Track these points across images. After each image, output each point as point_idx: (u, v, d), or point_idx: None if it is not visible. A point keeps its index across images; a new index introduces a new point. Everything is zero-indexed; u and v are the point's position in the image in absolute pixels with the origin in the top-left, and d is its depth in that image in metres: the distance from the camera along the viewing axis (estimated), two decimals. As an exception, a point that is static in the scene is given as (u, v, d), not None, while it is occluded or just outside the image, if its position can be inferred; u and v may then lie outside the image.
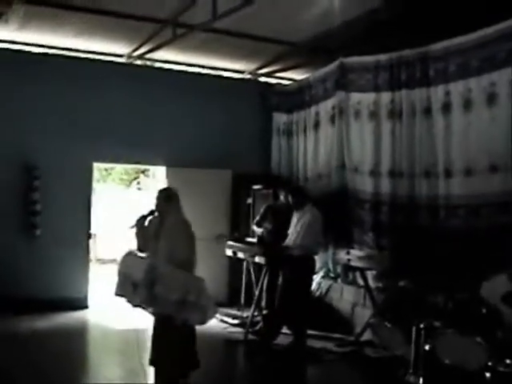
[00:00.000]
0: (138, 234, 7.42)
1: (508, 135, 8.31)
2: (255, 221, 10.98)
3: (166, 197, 7.36)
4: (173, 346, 6.96)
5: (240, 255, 10.67)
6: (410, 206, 9.85)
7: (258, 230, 10.79)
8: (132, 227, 7.38)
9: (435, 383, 5.68)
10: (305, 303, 9.93)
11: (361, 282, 10.52)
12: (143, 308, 6.95)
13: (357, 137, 10.94)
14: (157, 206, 7.35)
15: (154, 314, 7.22)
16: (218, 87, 13.10)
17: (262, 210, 11.12)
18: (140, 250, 7.37)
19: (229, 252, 10.93)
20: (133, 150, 12.17)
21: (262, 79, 13.82)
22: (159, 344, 7.09)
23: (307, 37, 11.14)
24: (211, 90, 12.95)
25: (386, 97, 10.30)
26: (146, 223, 7.39)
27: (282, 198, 10.80)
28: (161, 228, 7.22)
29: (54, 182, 11.55)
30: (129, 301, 6.93)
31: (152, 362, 7.11)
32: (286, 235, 10.01)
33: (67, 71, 11.81)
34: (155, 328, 7.18)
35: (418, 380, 5.52)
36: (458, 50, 9.02)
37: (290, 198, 9.99)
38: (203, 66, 13.11)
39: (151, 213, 7.43)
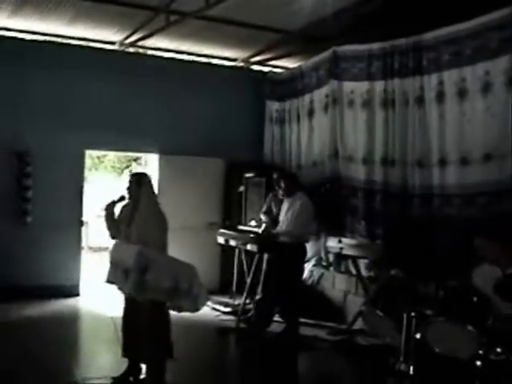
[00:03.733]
0: (107, 219, 7.42)
1: (502, 124, 8.32)
2: (263, 210, 10.90)
3: (137, 181, 7.30)
4: (140, 330, 7.03)
5: (232, 243, 10.66)
6: (403, 194, 9.86)
7: (266, 219, 10.67)
8: (102, 212, 7.38)
9: (426, 371, 5.68)
10: (297, 291, 9.95)
11: (353, 270, 10.54)
12: (129, 294, 6.93)
13: (350, 125, 10.95)
14: (128, 190, 7.31)
15: (126, 300, 7.23)
16: (211, 75, 13.08)
17: (267, 199, 11.08)
18: (111, 235, 7.38)
19: (220, 240, 10.92)
20: (125, 137, 12.16)
21: (255, 67, 13.79)
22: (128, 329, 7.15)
23: (300, 25, 11.13)
24: (204, 78, 12.92)
25: (379, 85, 10.29)
26: (120, 208, 7.40)
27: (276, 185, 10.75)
28: (133, 213, 7.20)
29: (46, 168, 11.52)
30: (120, 288, 6.93)
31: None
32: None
33: (60, 58, 11.77)
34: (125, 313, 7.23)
35: (409, 368, 5.54)
36: (451, 38, 9.00)
37: (281, 185, 9.97)
38: (196, 54, 13.08)
39: (122, 198, 7.42)
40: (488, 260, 6.62)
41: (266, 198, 11.17)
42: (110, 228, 7.42)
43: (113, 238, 7.37)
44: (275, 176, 10.51)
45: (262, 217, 10.79)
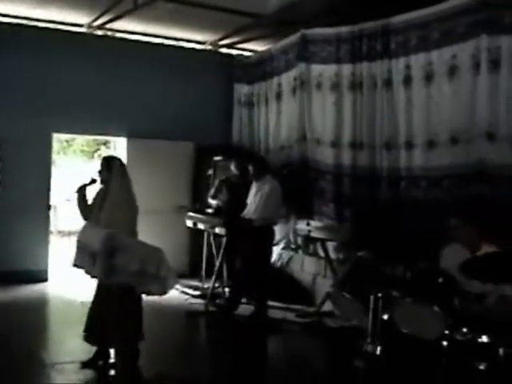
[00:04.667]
0: (79, 202, 7.41)
1: (468, 108, 8.39)
2: (210, 193, 11.00)
3: (107, 165, 7.34)
4: (109, 314, 7.03)
5: (200, 226, 10.68)
6: (371, 177, 9.93)
7: (214, 202, 10.81)
8: (74, 195, 7.37)
9: (393, 352, 5.74)
10: (265, 274, 10.00)
11: (321, 253, 10.62)
12: (94, 277, 6.93)
13: (318, 108, 10.98)
14: (99, 174, 7.35)
15: (97, 286, 7.23)
16: (180, 58, 13.04)
17: (216, 183, 11.18)
18: (84, 218, 7.39)
19: (189, 223, 10.93)
20: (93, 121, 12.11)
21: (224, 50, 13.75)
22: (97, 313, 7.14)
23: (270, 8, 11.10)
24: (173, 61, 12.88)
25: (347, 69, 10.33)
26: (96, 192, 7.40)
27: (233, 168, 10.81)
28: (104, 198, 7.23)
29: (13, 152, 11.41)
30: (88, 272, 6.91)
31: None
32: (241, 206, 10.09)
33: (27, 41, 11.63)
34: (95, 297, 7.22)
35: (376, 349, 5.58)
36: (420, 22, 9.06)
37: (250, 169, 10.01)
38: (165, 37, 13.01)
39: (92, 181, 7.46)
40: (460, 241, 6.69)
41: (215, 182, 11.26)
42: (82, 211, 7.41)
43: (85, 219, 7.36)
44: (236, 160, 10.63)
45: (210, 201, 10.86)
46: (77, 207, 7.44)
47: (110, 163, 7.36)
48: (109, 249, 6.51)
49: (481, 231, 6.66)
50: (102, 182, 7.36)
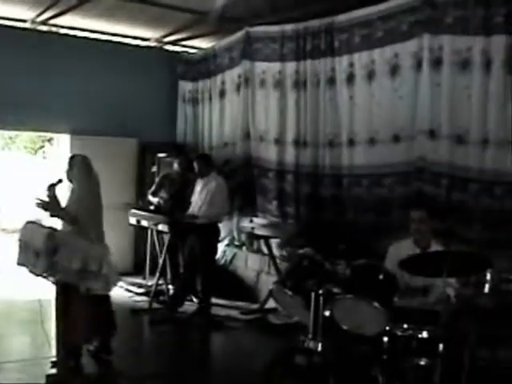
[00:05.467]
0: (49, 202, 7.41)
1: (410, 106, 8.48)
2: (150, 190, 10.97)
3: (69, 164, 7.53)
4: (76, 313, 6.99)
5: (144, 223, 10.63)
6: (314, 175, 10.00)
7: (154, 200, 10.78)
8: (44, 195, 7.37)
9: (334, 348, 5.78)
10: (210, 271, 10.01)
11: (265, 250, 10.65)
12: (45, 277, 6.89)
13: (262, 106, 11.02)
14: (66, 173, 7.49)
15: (56, 283, 7.19)
16: (125, 55, 12.94)
17: (157, 180, 11.16)
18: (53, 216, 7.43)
19: (132, 220, 10.86)
20: (36, 117, 11.93)
21: (169, 47, 13.70)
22: (62, 313, 7.08)
23: (215, 5, 11.07)
24: (117, 58, 12.78)
25: (291, 66, 10.36)
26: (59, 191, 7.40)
27: (177, 165, 10.81)
28: (71, 194, 7.37)
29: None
30: (31, 270, 6.85)
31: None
32: (183, 203, 10.08)
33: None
34: (57, 297, 7.15)
35: (317, 345, 5.61)
36: (363, 21, 9.13)
37: (195, 166, 10.01)
38: (110, 33, 12.90)
39: (59, 181, 7.43)
40: (416, 234, 6.77)
41: (155, 179, 11.25)
42: (52, 210, 7.39)
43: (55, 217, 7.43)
44: (180, 157, 10.65)
45: (150, 198, 10.84)
46: (47, 205, 7.42)
47: (71, 161, 7.57)
48: (50, 247, 6.47)
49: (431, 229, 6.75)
50: (69, 181, 7.51)
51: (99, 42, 12.88)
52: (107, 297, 7.35)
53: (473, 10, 7.67)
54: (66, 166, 7.54)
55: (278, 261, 10.29)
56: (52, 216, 7.37)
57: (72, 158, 7.69)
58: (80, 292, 6.85)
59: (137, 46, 13.41)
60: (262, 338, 9.19)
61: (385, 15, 8.80)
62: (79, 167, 7.49)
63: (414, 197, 8.28)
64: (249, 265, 11.36)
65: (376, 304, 5.51)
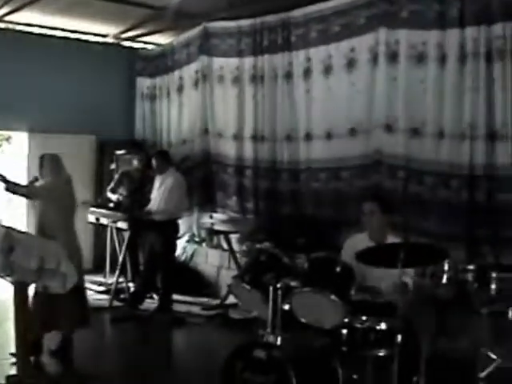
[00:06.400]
0: (16, 193, 7.64)
1: (367, 100, 8.54)
2: (109, 188, 10.94)
3: (39, 163, 7.74)
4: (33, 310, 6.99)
5: (103, 221, 10.58)
6: (273, 169, 10.05)
7: (113, 197, 10.73)
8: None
9: (293, 341, 5.81)
10: (170, 268, 10.00)
11: (225, 245, 10.67)
12: (2, 277, 6.84)
13: (220, 102, 11.02)
14: (38, 172, 7.74)
15: (13, 282, 7.15)
16: (82, 51, 12.80)
17: (116, 177, 11.12)
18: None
19: (91, 218, 10.80)
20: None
21: (127, 43, 13.63)
22: (21, 312, 7.04)
23: (172, 1, 11.04)
24: (75, 55, 12.64)
25: (248, 62, 10.38)
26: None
27: (135, 162, 10.79)
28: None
29: None
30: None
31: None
32: (142, 200, 10.07)
33: None
34: (15, 296, 7.11)
35: (276, 339, 5.63)
36: (319, 16, 9.18)
37: (153, 162, 9.99)
38: (67, 30, 12.78)
39: (35, 179, 7.69)
40: (368, 230, 6.81)
41: (114, 176, 11.23)
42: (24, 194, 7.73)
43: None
44: (138, 153, 10.63)
45: (109, 195, 10.80)
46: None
47: (40, 160, 7.78)
48: (6, 246, 6.42)
49: (386, 221, 6.79)
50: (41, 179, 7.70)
51: (56, 39, 12.74)
52: (77, 291, 7.30)
53: (428, 4, 7.77)
54: (37, 165, 7.75)
55: (238, 256, 10.31)
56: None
57: (42, 157, 7.80)
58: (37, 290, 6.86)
59: (95, 42, 13.30)
60: (223, 333, 9.21)
61: (341, 10, 8.87)
62: (49, 165, 7.64)
63: (372, 190, 8.34)
64: (209, 261, 11.35)
65: (333, 297, 5.53)
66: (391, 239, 6.52)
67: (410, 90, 8.03)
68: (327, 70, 9.06)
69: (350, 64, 8.75)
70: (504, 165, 7.16)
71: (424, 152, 7.89)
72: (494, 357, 6.47)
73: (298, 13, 9.50)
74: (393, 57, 8.21)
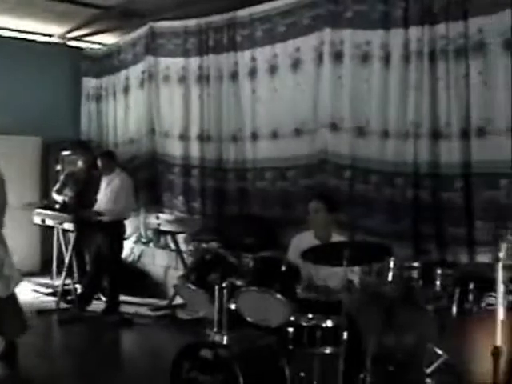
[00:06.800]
0: None
1: (311, 100, 8.59)
2: (55, 189, 10.85)
3: None
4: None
5: (49, 222, 10.45)
6: (219, 169, 10.07)
7: (59, 198, 10.64)
8: None
9: (239, 340, 5.81)
10: (117, 269, 9.97)
11: (172, 245, 10.67)
12: None
13: (166, 102, 11.00)
14: None
15: None
16: (27, 51, 12.68)
17: (61, 178, 11.03)
18: None
19: (37, 220, 10.65)
20: None
21: (73, 43, 13.51)
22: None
23: (119, 0, 10.98)
24: (20, 55, 12.51)
25: (194, 62, 10.38)
26: None
27: (81, 163, 10.73)
28: None
29: None
30: None
31: None
32: (88, 201, 10.01)
33: None
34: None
35: (223, 338, 5.64)
36: (265, 16, 9.22)
37: (98, 163, 9.95)
38: (12, 29, 12.65)
39: None
40: (312, 225, 6.85)
41: (60, 177, 11.15)
42: None
43: None
44: (84, 154, 10.57)
45: (55, 196, 10.72)
46: None
47: None
48: None
49: (331, 220, 6.84)
50: None
51: (1, 39, 12.60)
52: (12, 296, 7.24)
53: (372, 4, 7.84)
54: None
55: (185, 256, 10.30)
56: None
57: None
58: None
59: (40, 42, 13.18)
60: (171, 333, 9.18)
61: (286, 10, 8.91)
62: None
63: (318, 189, 8.39)
64: (156, 261, 11.33)
65: (279, 295, 5.55)
66: (336, 238, 6.58)
67: (355, 89, 8.08)
68: (273, 69, 9.10)
69: (295, 64, 8.79)
70: (447, 163, 7.23)
71: (369, 151, 7.95)
72: (439, 352, 6.55)
73: (243, 13, 9.53)
74: (337, 56, 8.26)
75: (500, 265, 4.30)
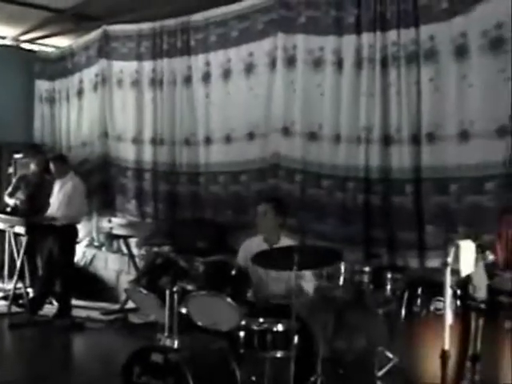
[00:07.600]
0: None
1: (265, 104, 8.63)
2: (7, 192, 10.76)
3: None
4: None
5: (0, 226, 10.37)
6: (172, 173, 10.06)
7: (10, 202, 10.56)
8: None
9: (190, 344, 5.81)
10: (69, 273, 9.90)
11: (125, 249, 10.63)
12: None
13: (119, 105, 10.97)
14: None
15: None
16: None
17: (14, 181, 10.95)
18: None
19: (-13, 224, 10.61)
20: None
21: (26, 46, 13.40)
22: None
23: (72, 3, 10.92)
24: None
25: (147, 65, 10.36)
26: None
27: (33, 166, 10.65)
28: None
29: None
30: None
31: None
32: (40, 205, 9.94)
33: None
34: None
35: (173, 342, 5.64)
36: (219, 20, 9.24)
37: (51, 167, 9.89)
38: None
39: None
40: (261, 228, 6.87)
41: (12, 180, 11.07)
42: None
43: None
44: (37, 157, 10.51)
45: (6, 199, 10.64)
46: None
47: None
48: None
49: (280, 223, 6.86)
50: None
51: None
52: None
53: (325, 10, 7.90)
54: None
55: (137, 260, 10.28)
56: None
57: None
58: None
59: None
60: (122, 337, 9.13)
61: (240, 15, 8.95)
62: None
63: (270, 193, 8.41)
64: (109, 265, 11.28)
65: (229, 300, 5.58)
66: (285, 241, 6.58)
67: (307, 94, 8.15)
68: (226, 74, 9.12)
69: (249, 68, 8.84)
70: (398, 168, 7.32)
71: (321, 155, 8.03)
72: (390, 356, 6.62)
73: (198, 17, 9.55)
74: (290, 61, 8.32)
75: (448, 269, 4.35)
